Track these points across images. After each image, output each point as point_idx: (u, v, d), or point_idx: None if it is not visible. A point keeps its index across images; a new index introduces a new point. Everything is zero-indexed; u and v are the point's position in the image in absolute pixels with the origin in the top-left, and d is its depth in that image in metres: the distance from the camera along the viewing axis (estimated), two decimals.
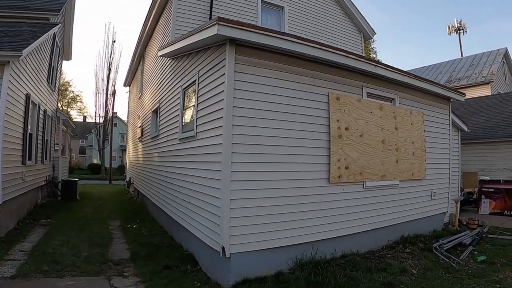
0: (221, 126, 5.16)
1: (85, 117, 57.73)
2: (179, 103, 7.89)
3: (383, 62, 8.52)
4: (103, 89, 37.04)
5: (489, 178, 13.25)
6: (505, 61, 24.17)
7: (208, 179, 5.62)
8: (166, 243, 7.58)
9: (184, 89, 7.63)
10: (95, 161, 45.11)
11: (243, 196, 5.14)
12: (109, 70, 37.32)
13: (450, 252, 6.93)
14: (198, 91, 6.50)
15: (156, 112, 11.16)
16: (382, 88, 7.27)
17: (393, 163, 7.39)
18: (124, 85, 21.70)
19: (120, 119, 46.45)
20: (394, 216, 7.32)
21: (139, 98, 15.57)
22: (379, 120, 7.13)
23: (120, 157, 46.76)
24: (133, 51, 15.75)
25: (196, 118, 6.47)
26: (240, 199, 5.10)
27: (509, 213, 12.16)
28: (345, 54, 6.10)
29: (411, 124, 7.91)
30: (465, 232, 8.16)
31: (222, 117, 5.17)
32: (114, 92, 30.94)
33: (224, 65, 5.21)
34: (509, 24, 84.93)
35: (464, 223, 10.09)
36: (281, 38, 5.26)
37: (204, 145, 6.00)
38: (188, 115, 7.41)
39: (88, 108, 62.82)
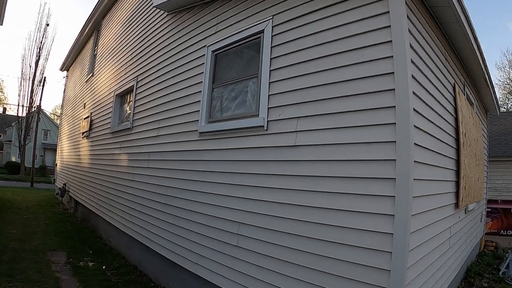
0: (392, 123, 2.64)
1: (5, 109, 49.02)
2: (201, 73, 4.56)
3: None
4: (29, 77, 30.88)
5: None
6: None
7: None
8: None
9: (216, 51, 4.38)
10: (13, 159, 37.84)
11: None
12: (39, 56, 31.28)
13: None
14: (272, 50, 3.58)
15: (125, 95, 7.52)
16: (470, 89, 5.79)
17: (476, 180, 5.76)
18: (62, 69, 17.09)
19: (45, 114, 39.72)
20: (468, 246, 6.02)
21: (86, 81, 11.51)
22: (473, 127, 5.51)
23: (41, 156, 39.92)
24: (83, 25, 11.84)
25: (269, 95, 3.56)
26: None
27: (505, 233, 12.08)
28: None
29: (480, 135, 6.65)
30: (508, 255, 7.30)
31: (391, 106, 2.66)
32: (44, 80, 25.32)
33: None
34: None
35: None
36: None
37: (304, 144, 3.06)
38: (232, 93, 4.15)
39: (8, 98, 53.36)
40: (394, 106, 2.62)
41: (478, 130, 6.12)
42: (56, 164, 16.59)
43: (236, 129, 3.89)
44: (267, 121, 3.57)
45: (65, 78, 17.13)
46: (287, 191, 3.27)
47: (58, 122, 48.45)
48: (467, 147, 5.02)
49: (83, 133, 10.81)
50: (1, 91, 50.56)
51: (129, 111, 7.16)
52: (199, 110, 4.48)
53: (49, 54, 43.13)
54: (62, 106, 17.12)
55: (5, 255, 5.99)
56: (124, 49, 7.88)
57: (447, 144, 3.93)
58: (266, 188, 3.47)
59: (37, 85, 30.11)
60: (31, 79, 30.92)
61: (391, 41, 2.67)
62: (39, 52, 31.65)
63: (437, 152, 3.44)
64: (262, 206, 3.47)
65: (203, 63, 4.60)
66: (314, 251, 2.94)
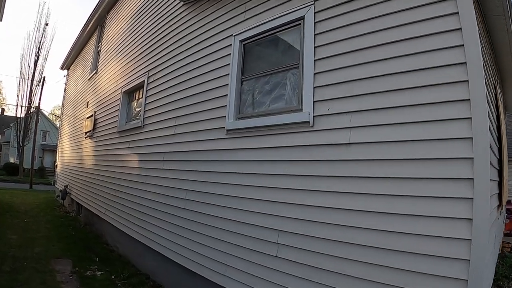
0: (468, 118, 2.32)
1: (3, 110, 48.22)
2: (227, 64, 4.14)
3: None
4: (28, 77, 30.23)
5: None
6: None
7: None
8: None
9: (245, 40, 4.00)
10: (11, 160, 37.11)
11: None
12: (38, 56, 30.64)
13: None
14: (316, 38, 3.24)
15: (134, 91, 7.03)
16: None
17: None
18: (62, 68, 16.55)
19: (44, 115, 39.01)
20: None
21: (89, 79, 10.99)
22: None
23: (40, 157, 39.19)
24: (85, 21, 11.41)
25: (314, 88, 3.16)
26: None
27: None
28: None
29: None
30: None
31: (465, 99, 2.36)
32: (43, 80, 24.72)
33: None
34: None
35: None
36: None
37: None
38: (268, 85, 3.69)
39: (7, 99, 52.43)
40: (469, 99, 2.29)
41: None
42: (56, 165, 16.02)
43: (274, 126, 3.42)
44: (313, 116, 3.10)
45: (65, 77, 16.59)
46: (337, 195, 2.85)
47: (57, 123, 47.90)
48: (504, 145, 4.67)
49: (86, 133, 10.29)
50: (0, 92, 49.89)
51: (139, 109, 6.66)
52: (225, 105, 4.00)
53: (48, 54, 42.83)
54: (62, 105, 16.57)
55: (5, 264, 5.48)
56: (132, 44, 7.38)
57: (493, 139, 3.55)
58: (312, 191, 3.02)
59: (36, 85, 29.49)
60: (30, 79, 30.28)
61: (460, 28, 2.36)
62: (38, 52, 31.01)
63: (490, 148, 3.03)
64: (307, 211, 3.02)
65: (229, 54, 4.12)
66: (373, 261, 2.54)
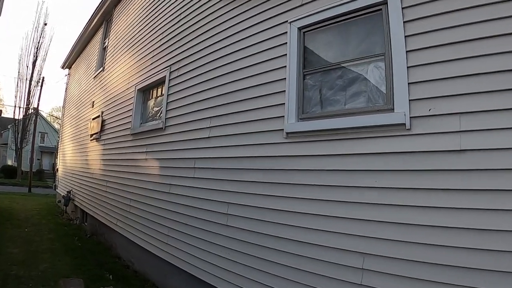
0: None
1: (0, 111, 47.09)
2: (283, 55, 3.45)
3: None
4: (26, 78, 29.30)
5: None
6: None
7: None
8: None
9: (304, 28, 3.32)
10: (9, 163, 36.08)
11: None
12: (36, 56, 29.73)
13: None
14: (406, 26, 2.62)
15: (152, 89, 6.29)
16: None
17: None
18: (63, 67, 15.75)
19: (42, 116, 38.02)
20: None
21: (95, 77, 10.20)
22: None
23: (38, 159, 38.19)
24: (89, 17, 10.74)
25: (408, 84, 2.57)
26: None
27: None
28: None
29: None
30: None
31: None
32: (42, 80, 23.80)
33: None
34: None
35: None
36: None
37: None
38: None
39: (5, 100, 51.15)
40: None
41: None
42: (57, 169, 15.16)
43: (354, 128, 2.69)
44: (410, 118, 2.38)
45: (67, 76, 15.76)
46: (449, 211, 2.18)
47: (55, 124, 46.88)
48: None
49: (91, 135, 9.51)
50: None
51: (158, 108, 5.92)
52: (283, 103, 3.27)
53: (47, 54, 41.78)
54: (63, 106, 15.72)
55: (7, 287, 4.71)
56: (147, 37, 6.62)
57: None
58: (414, 207, 2.31)
59: (35, 86, 28.59)
60: (28, 80, 29.35)
61: None
62: (36, 52, 30.13)
63: None
64: (405, 231, 2.31)
65: (285, 43, 3.40)
66: None
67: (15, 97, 31.56)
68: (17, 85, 31.14)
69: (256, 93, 3.64)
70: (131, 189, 6.19)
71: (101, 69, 9.72)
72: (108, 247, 7.35)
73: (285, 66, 3.32)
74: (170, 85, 5.44)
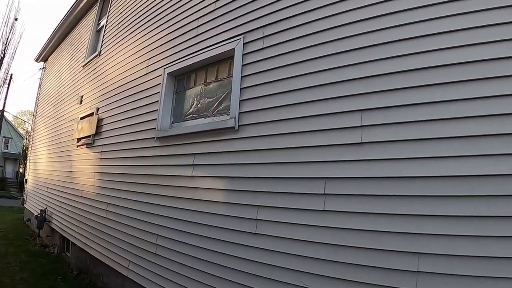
0: None
1: None
2: None
3: None
4: None
5: None
6: None
7: None
8: None
9: None
10: None
11: None
12: (4, 53, 26.16)
13: None
14: None
15: (194, 72, 4.17)
16: None
17: None
18: (38, 60, 13.06)
19: (6, 120, 34.01)
20: None
21: (85, 65, 7.81)
22: None
23: (1, 166, 34.01)
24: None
25: None
26: None
27: None
28: None
29: None
30: None
31: None
32: (10, 78, 20.52)
33: None
34: None
35: None
36: None
37: None
38: None
39: None
40: None
41: None
42: (25, 180, 12.29)
43: None
44: None
45: (41, 71, 13.05)
46: None
47: (20, 130, 42.38)
48: None
49: (79, 139, 7.11)
50: None
51: (211, 99, 3.78)
52: None
53: (15, 52, 37.72)
54: (36, 105, 12.91)
55: None
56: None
57: None
58: None
59: (1, 86, 24.97)
60: None
61: None
62: (4, 49, 26.51)
63: None
64: None
65: None
66: None
67: None
68: None
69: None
70: (162, 220, 3.94)
71: (94, 54, 7.36)
72: None
73: None
74: (245, 63, 3.32)
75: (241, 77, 3.38)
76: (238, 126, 3.28)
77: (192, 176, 3.65)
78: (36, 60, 13.12)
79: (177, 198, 3.80)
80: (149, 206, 4.23)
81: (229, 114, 3.48)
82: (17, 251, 7.43)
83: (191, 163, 3.68)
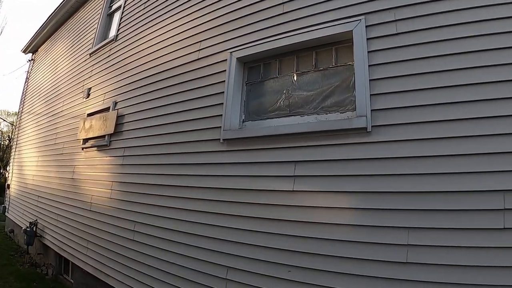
0: None
1: None
2: None
3: None
4: None
5: None
6: None
7: None
8: None
9: None
10: None
11: None
12: None
13: None
14: None
15: (277, 57, 3.24)
16: None
17: None
18: (26, 51, 11.67)
19: None
20: None
21: (93, 53, 6.65)
22: None
23: None
24: None
25: None
26: None
27: None
28: None
29: None
30: None
31: None
32: None
33: None
34: None
35: None
36: None
37: None
38: None
39: None
40: None
41: None
42: (7, 185, 10.75)
43: None
44: None
45: (29, 63, 11.63)
46: None
47: None
48: None
49: (85, 140, 5.96)
50: None
51: (309, 93, 2.85)
52: None
53: None
54: (22, 100, 11.43)
55: None
56: None
57: None
58: None
59: None
60: None
61: None
62: None
63: None
64: None
65: None
66: None
67: None
68: None
69: None
70: (234, 248, 2.89)
71: (107, 40, 6.22)
72: None
73: None
74: (371, 49, 2.39)
75: (369, 66, 2.44)
76: (371, 127, 2.32)
77: (293, 191, 2.63)
78: (24, 52, 11.72)
79: (264, 220, 2.76)
80: (212, 228, 3.16)
81: (344, 112, 2.53)
82: (4, 272, 6.11)
83: (291, 174, 2.67)
